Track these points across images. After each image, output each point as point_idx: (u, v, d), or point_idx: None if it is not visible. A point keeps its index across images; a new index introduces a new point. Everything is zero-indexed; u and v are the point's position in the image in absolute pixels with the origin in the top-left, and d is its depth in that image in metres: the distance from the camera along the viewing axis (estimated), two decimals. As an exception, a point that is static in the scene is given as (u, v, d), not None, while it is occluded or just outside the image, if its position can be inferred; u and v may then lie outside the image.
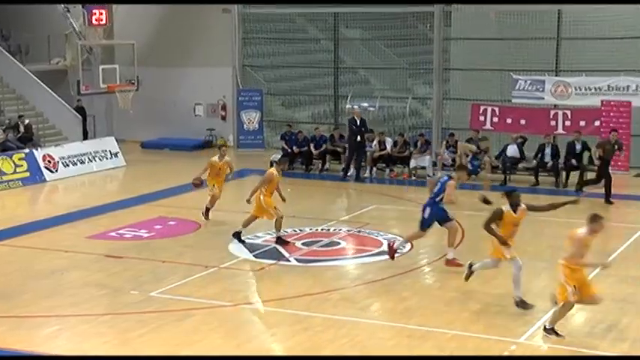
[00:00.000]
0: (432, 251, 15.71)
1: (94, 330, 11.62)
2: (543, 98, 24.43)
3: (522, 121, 24.13)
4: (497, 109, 24.39)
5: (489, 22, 26.62)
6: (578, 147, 22.51)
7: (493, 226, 12.16)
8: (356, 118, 23.74)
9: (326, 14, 29.11)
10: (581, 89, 23.98)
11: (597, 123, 23.25)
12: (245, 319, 12.38)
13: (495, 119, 24.38)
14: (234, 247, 15.88)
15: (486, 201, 13.48)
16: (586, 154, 22.39)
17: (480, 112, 24.53)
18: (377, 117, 27.72)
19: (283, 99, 30.76)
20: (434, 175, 16.55)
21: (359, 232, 17.41)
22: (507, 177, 22.92)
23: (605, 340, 11.20)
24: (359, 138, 23.52)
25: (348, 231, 17.44)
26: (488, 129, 24.32)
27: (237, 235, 16.12)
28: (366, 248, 16.10)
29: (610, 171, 20.44)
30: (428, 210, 14.38)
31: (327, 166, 25.12)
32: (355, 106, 25.75)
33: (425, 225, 14.49)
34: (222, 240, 16.28)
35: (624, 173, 23.24)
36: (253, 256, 15.48)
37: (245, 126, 28.75)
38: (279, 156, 24.62)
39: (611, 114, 23.29)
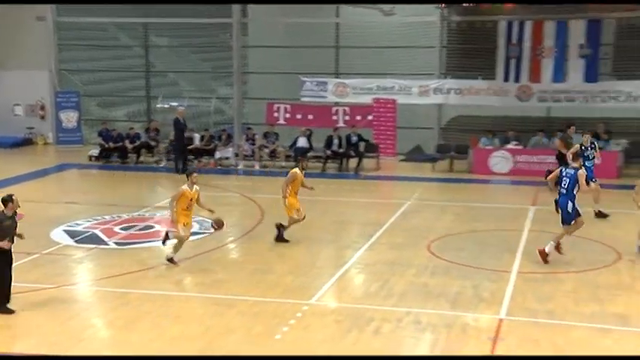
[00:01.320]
0: (236, 230, 15.81)
1: None
2: (326, 97, 25.16)
3: (310, 117, 24.71)
4: (288, 107, 24.81)
5: (280, 33, 27.07)
6: (355, 138, 23.42)
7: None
8: (179, 117, 23.35)
9: (137, 24, 28.56)
10: (357, 89, 24.92)
11: (370, 117, 24.30)
12: (67, 298, 11.88)
13: (287, 115, 24.81)
14: (56, 235, 15.20)
15: None
16: (362, 144, 23.40)
17: (275, 109, 24.88)
18: (186, 115, 27.49)
19: (99, 100, 29.87)
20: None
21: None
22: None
23: (378, 296, 11.71)
24: (186, 134, 23.28)
25: (162, 215, 17.18)
26: (282, 124, 24.73)
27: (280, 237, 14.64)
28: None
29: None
30: (570, 204, 13.25)
31: (141, 158, 24.66)
32: (181, 107, 25.19)
33: (574, 216, 13.28)
34: (44, 229, 15.49)
35: (392, 158, 24.51)
36: (74, 242, 14.89)
37: (64, 124, 27.57)
38: (97, 152, 23.97)
39: (381, 110, 24.41)
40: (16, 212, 10.81)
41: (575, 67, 22.16)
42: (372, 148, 23.88)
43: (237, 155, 24.24)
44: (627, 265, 13.23)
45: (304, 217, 14.69)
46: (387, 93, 24.51)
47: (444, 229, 15.79)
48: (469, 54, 24.80)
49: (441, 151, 23.96)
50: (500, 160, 22.49)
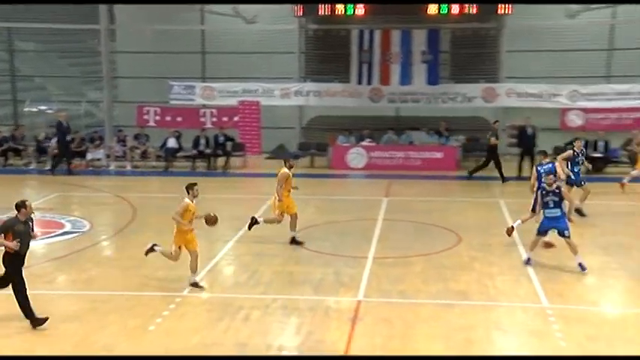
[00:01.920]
0: (109, 229, 15.34)
1: None
2: (194, 100, 24.84)
3: (179, 119, 24.34)
4: (158, 109, 24.33)
5: (148, 39, 26.43)
6: (222, 138, 23.27)
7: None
8: (62, 120, 22.26)
9: (1, 28, 27.00)
10: (223, 92, 24.75)
11: (236, 118, 24.23)
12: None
13: (157, 117, 24.34)
14: None
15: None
16: (229, 143, 23.29)
17: (145, 112, 24.33)
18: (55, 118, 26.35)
19: (-39, 104, 28.09)
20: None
21: (43, 216, 16.42)
22: (168, 165, 23.05)
23: (247, 285, 11.72)
24: (68, 137, 22.26)
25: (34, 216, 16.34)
26: (152, 125, 24.19)
27: (294, 241, 14.00)
28: (50, 230, 15.22)
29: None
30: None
31: (9, 161, 23.42)
32: (62, 111, 23.94)
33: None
34: None
35: (258, 157, 24.55)
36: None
37: None
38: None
39: (246, 111, 24.37)
40: (32, 219, 10.19)
41: (419, 72, 23.01)
42: (238, 148, 23.83)
43: (108, 156, 23.49)
44: (466, 247, 13.91)
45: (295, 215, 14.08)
46: (252, 95, 24.51)
47: (306, 221, 15.94)
48: (326, 59, 25.22)
49: (302, 148, 24.24)
50: (357, 156, 23.02)
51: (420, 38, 22.84)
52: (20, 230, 9.86)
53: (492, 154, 20.55)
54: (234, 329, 9.85)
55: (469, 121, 24.31)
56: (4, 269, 9.97)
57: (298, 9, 22.89)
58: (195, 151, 23.14)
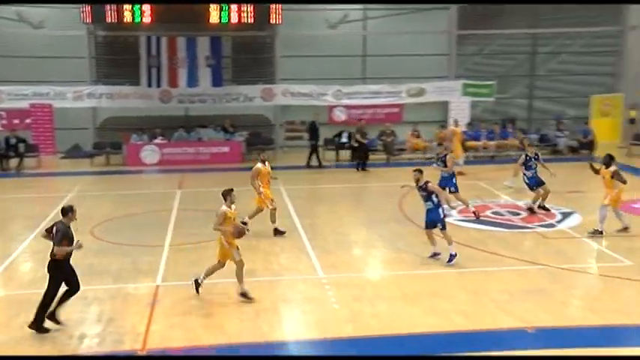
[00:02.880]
0: None
1: None
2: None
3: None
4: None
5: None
6: (13, 140, 21.53)
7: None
8: None
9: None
10: (11, 95, 22.83)
11: (28, 120, 22.44)
12: None
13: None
14: None
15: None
16: (22, 145, 21.47)
17: None
18: None
19: None
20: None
21: None
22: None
23: (45, 281, 10.84)
24: None
25: None
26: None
27: (277, 232, 13.31)
28: None
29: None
30: None
31: None
32: None
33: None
34: None
35: (52, 157, 22.95)
36: None
37: None
38: None
39: (38, 113, 22.67)
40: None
41: (204, 75, 22.86)
42: (31, 149, 22.09)
43: None
44: (253, 230, 14.05)
45: (275, 208, 13.42)
46: (44, 98, 22.81)
47: (104, 215, 15.23)
48: (116, 63, 24.12)
49: (97, 147, 23.05)
50: (150, 153, 22.35)
51: (203, 44, 22.70)
52: (72, 234, 8.93)
53: (361, 149, 21.09)
54: (34, 324, 9.11)
55: (251, 119, 24.61)
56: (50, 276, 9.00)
57: (86, 16, 21.56)
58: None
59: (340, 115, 24.35)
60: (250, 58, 24.78)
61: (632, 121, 24.52)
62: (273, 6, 22.02)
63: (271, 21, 22.37)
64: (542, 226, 14.09)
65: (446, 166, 14.73)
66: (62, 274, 9.01)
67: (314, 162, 21.39)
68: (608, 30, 25.33)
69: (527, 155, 15.13)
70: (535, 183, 15.04)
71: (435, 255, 11.75)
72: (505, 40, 26.53)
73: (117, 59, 23.98)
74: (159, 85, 22.82)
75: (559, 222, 14.36)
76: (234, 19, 21.69)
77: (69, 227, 9.04)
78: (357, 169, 20.93)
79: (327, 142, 23.21)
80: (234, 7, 21.54)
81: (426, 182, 11.53)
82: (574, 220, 14.51)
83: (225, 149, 22.68)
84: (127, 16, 21.18)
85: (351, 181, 19.53)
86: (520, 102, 26.29)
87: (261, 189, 13.20)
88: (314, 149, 21.52)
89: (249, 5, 21.53)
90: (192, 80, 22.81)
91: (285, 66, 24.35)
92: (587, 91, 25.35)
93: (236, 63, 24.83)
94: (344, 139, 22.88)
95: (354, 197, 16.97)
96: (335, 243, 12.94)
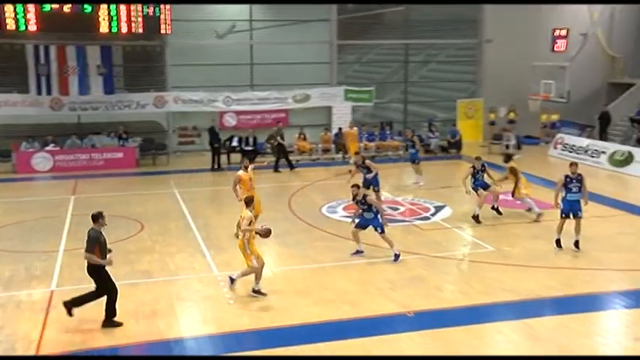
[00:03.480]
0: None
1: None
2: None
3: None
4: None
5: None
6: None
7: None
8: None
9: None
10: None
11: None
12: None
13: None
14: None
15: None
16: None
17: None
18: None
19: None
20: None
21: None
22: None
23: None
24: None
25: None
26: None
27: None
28: None
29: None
30: None
31: None
32: None
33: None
34: None
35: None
36: None
37: None
38: None
39: None
40: None
41: (96, 83, 21.85)
42: None
43: None
44: (149, 232, 13.64)
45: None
46: None
47: (-7, 224, 14.21)
48: (4, 72, 22.48)
49: (-16, 156, 21.39)
50: (42, 160, 21.09)
51: (94, 53, 21.71)
52: (104, 241, 8.78)
53: (281, 150, 21.20)
54: None
55: (144, 125, 23.80)
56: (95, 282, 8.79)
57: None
58: None
59: (230, 121, 24.12)
60: (141, 66, 23.98)
61: (492, 123, 26.05)
62: (162, 16, 21.47)
63: (161, 31, 21.81)
64: (418, 219, 14.66)
65: (370, 171, 15.31)
66: (102, 273, 8.79)
67: (222, 163, 21.21)
68: (468, 42, 26.75)
69: (474, 167, 14.62)
70: (482, 186, 14.61)
71: (358, 252, 11.94)
72: (381, 49, 27.36)
73: (3, 67, 22.37)
74: (49, 93, 21.56)
75: (433, 215, 15.00)
76: (124, 29, 20.94)
77: (101, 233, 8.78)
78: (276, 170, 20.87)
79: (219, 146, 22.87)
80: (123, 17, 20.77)
81: (364, 196, 11.76)
82: (446, 212, 15.20)
83: (120, 155, 21.81)
84: (10, 24, 19.84)
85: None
86: (396, 106, 27.18)
87: (241, 196, 12.42)
88: (216, 152, 21.27)
89: (139, 17, 20.89)
90: (84, 88, 21.75)
91: (176, 74, 23.75)
92: (454, 96, 26.64)
93: (128, 71, 23.93)
94: (235, 143, 22.68)
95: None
96: (229, 242, 12.80)
